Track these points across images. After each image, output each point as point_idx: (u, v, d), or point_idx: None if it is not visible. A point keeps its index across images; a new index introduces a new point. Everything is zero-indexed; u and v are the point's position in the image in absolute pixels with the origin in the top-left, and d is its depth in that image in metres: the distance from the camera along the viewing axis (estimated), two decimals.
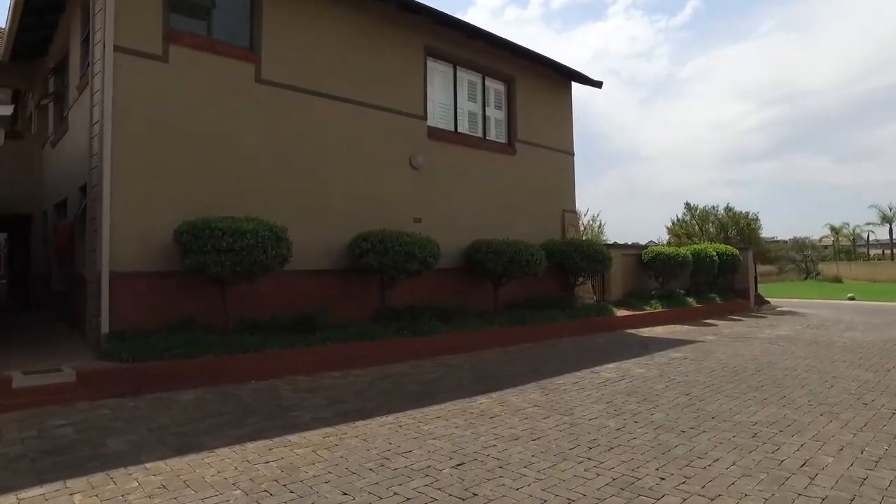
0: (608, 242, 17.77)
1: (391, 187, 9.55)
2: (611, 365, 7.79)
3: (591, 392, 6.18)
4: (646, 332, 11.67)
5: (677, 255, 14.28)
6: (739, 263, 16.82)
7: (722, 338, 10.80)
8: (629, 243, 17.31)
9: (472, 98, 11.30)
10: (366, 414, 5.22)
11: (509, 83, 11.93)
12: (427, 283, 9.67)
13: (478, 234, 10.35)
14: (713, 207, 36.48)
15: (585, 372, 7.26)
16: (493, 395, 6.02)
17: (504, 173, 11.61)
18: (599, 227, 26.71)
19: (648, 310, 13.28)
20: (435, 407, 5.50)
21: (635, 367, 7.68)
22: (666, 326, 12.65)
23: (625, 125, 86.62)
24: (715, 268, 15.61)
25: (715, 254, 15.71)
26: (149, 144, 7.02)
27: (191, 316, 6.89)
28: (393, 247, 7.84)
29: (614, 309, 13.04)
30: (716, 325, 13.01)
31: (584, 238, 13.39)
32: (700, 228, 34.65)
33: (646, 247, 14.86)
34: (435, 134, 10.28)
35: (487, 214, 11.11)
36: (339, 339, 7.44)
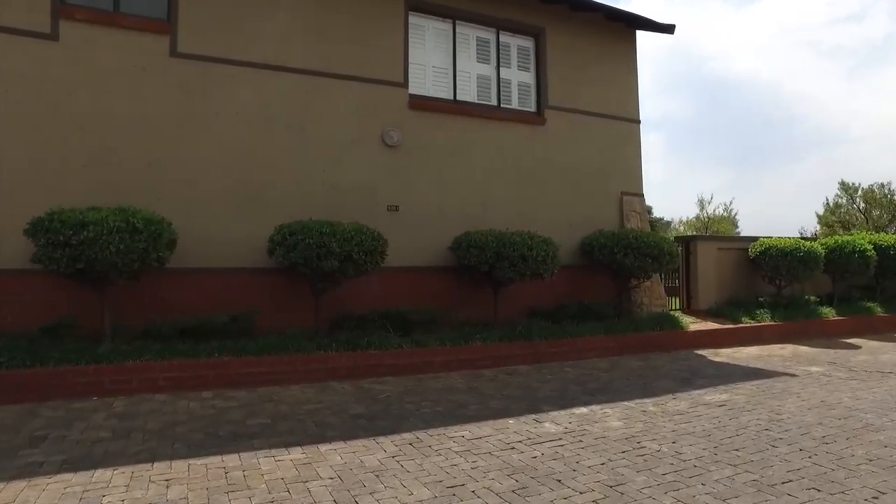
0: (685, 235, 13.86)
1: (357, 170, 8.02)
2: (579, 410, 5.39)
3: (477, 461, 4.05)
4: (727, 353, 8.57)
5: (798, 248, 10.47)
6: None
7: (838, 369, 7.41)
8: (739, 235, 13.46)
9: (483, 59, 9.25)
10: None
11: (537, 37, 9.59)
12: (398, 284, 7.98)
13: (483, 225, 8.33)
14: (883, 186, 27.79)
15: (513, 421, 5.03)
16: (307, 449, 4.19)
17: (528, 148, 9.34)
18: (729, 216, 21.91)
19: (748, 322, 9.89)
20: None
21: (616, 415, 5.20)
22: (768, 346, 9.27)
23: (825, 102, 72.64)
24: (870, 266, 11.27)
25: (871, 247, 11.35)
26: (35, 133, 6.44)
27: (70, 319, 6.16)
28: (304, 240, 6.33)
29: (689, 321, 9.95)
30: (856, 349, 9.24)
31: (648, 230, 10.42)
32: (864, 215, 26.63)
33: (755, 239, 11.19)
34: (420, 103, 8.49)
35: (500, 200, 8.99)
36: (237, 351, 6.18)
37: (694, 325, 9.76)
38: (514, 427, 4.76)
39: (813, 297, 11.26)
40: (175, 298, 6.80)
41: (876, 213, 27.22)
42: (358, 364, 6.50)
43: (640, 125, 10.41)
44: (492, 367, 7.20)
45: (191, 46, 7.16)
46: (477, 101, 9.09)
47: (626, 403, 5.55)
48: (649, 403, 5.56)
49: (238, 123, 7.40)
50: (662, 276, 11.25)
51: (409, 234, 8.21)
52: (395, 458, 4.02)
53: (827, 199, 30.71)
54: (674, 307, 11.13)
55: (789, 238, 10.92)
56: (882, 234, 12.51)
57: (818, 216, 29.20)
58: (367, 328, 7.12)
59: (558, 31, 9.68)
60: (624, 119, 10.25)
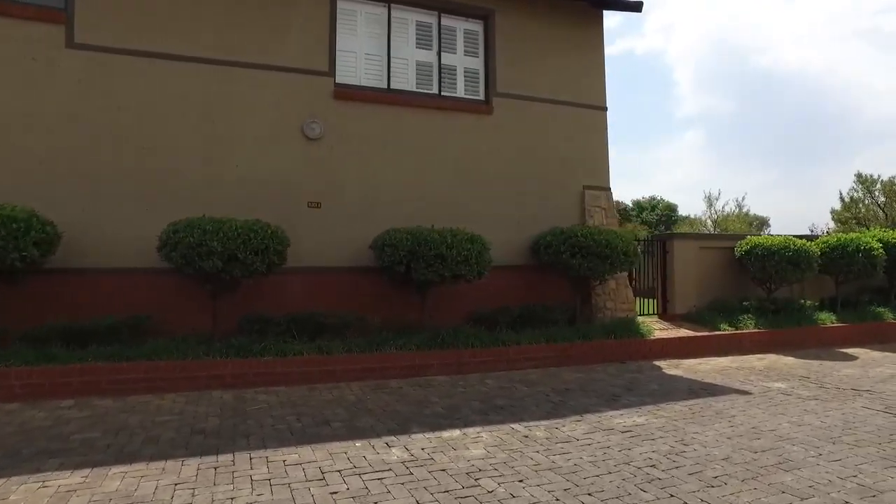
0: (662, 233, 12.64)
1: (275, 165, 7.52)
2: (450, 433, 4.70)
3: (263, 494, 3.44)
4: (689, 365, 7.71)
5: (787, 247, 9.38)
6: None
7: (806, 386, 6.52)
8: (726, 233, 12.35)
9: (423, 45, 8.60)
10: None
11: (486, 19, 8.86)
12: (317, 286, 7.46)
13: (422, 222, 7.70)
14: None
15: (360, 444, 4.38)
16: (94, 472, 3.65)
17: (473, 139, 8.64)
18: (739, 213, 20.34)
19: (727, 330, 8.91)
20: None
21: (488, 440, 4.51)
22: (744, 357, 8.34)
23: (881, 94, 67.97)
24: (877, 267, 10.03)
25: (878, 245, 10.11)
26: None
27: None
28: (185, 238, 5.86)
29: (660, 327, 9.07)
30: (849, 360, 8.24)
31: (616, 226, 9.53)
32: (883, 210, 24.11)
33: (743, 237, 10.09)
34: (347, 93, 7.91)
35: (440, 196, 8.32)
36: (117, 357, 5.77)
37: (662, 332, 8.86)
38: (354, 452, 4.14)
39: (810, 302, 10.10)
40: (67, 300, 6.46)
41: None
42: (245, 372, 5.99)
43: (607, 112, 9.53)
44: (403, 377, 6.57)
45: (89, 37, 6.81)
46: (415, 90, 8.45)
47: (513, 426, 4.84)
48: (542, 427, 4.83)
49: (142, 117, 7.01)
50: (637, 278, 10.34)
51: (332, 232, 7.66)
52: (178, 486, 3.48)
53: (841, 194, 28.39)
54: (648, 311, 10.21)
55: (779, 236, 9.82)
56: (892, 230, 11.16)
57: (832, 212, 26.92)
58: (271, 333, 6.61)
59: (511, 12, 8.93)
60: (588, 106, 9.40)
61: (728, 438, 4.56)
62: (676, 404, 5.63)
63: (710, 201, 28.92)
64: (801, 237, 10.65)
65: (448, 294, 7.93)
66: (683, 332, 8.84)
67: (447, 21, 8.70)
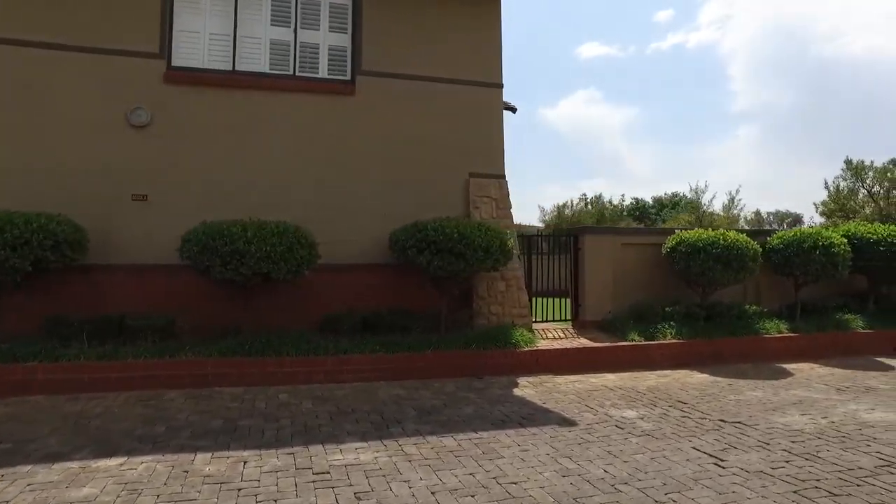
0: (578, 226, 10.91)
1: (96, 155, 6.98)
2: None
3: None
4: (561, 381, 6.68)
5: (716, 242, 7.90)
6: None
7: (663, 417, 5.29)
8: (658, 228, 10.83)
9: (280, 21, 7.82)
10: None
11: None
12: (133, 284, 6.87)
13: (268, 216, 6.89)
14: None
15: None
16: None
17: (333, 123, 7.78)
18: (733, 209, 18.14)
19: (635, 340, 7.61)
20: None
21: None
22: (640, 374, 7.11)
23: None
24: (839, 267, 8.34)
25: (842, 241, 8.42)
26: None
27: None
28: None
29: (551, 336, 7.92)
30: (780, 378, 6.87)
31: (510, 220, 8.37)
32: (873, 198, 20.53)
33: (668, 232, 8.62)
34: (182, 76, 7.27)
35: (291, 187, 7.54)
36: None
37: (556, 342, 7.67)
38: None
39: (755, 308, 8.51)
40: None
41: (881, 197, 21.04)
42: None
43: (502, 89, 8.40)
44: (192, 387, 5.84)
45: None
46: (268, 71, 7.70)
47: (180, 457, 3.99)
48: (227, 459, 3.96)
49: None
50: (537, 278, 9.12)
51: (160, 226, 7.05)
52: None
53: (826, 182, 24.61)
54: (561, 317, 8.97)
55: (711, 230, 8.33)
56: (868, 224, 9.27)
57: (815, 205, 23.67)
58: (74, 336, 6.08)
59: None
60: (477, 84, 8.30)
61: (433, 493, 3.51)
62: (457, 436, 4.59)
63: (696, 194, 26.00)
64: (757, 232, 9.12)
65: (294, 295, 7.16)
66: (577, 343, 7.61)
67: None
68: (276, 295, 7.13)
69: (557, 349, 7.18)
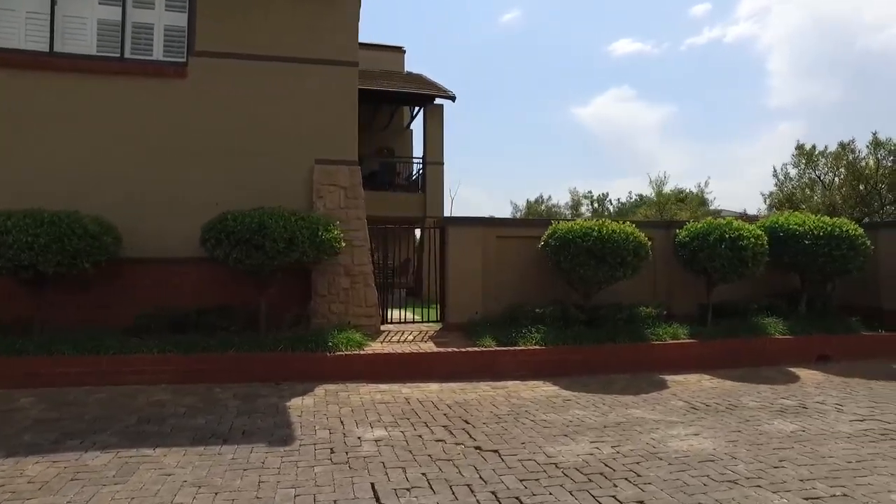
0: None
1: None
2: None
3: None
4: (367, 391, 5.80)
5: (588, 234, 6.80)
6: (863, 254, 7.41)
7: (402, 442, 4.42)
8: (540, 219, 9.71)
9: (110, 0, 7.34)
10: None
11: None
12: None
13: (80, 206, 6.34)
14: (846, 146, 18.64)
15: None
16: None
17: (163, 109, 7.20)
18: (700, 197, 16.31)
19: (489, 346, 6.66)
20: None
21: None
22: (481, 385, 6.09)
23: None
24: (750, 264, 7.05)
25: (758, 234, 7.13)
26: None
27: None
28: None
29: (396, 340, 7.09)
30: (641, 393, 5.85)
31: (360, 211, 7.53)
32: (825, 187, 17.64)
33: (549, 223, 7.51)
34: None
35: (114, 179, 7.00)
36: None
37: (391, 345, 6.78)
38: None
39: (650, 310, 7.30)
40: None
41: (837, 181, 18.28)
42: None
43: (357, 68, 7.60)
44: None
45: None
46: (94, 54, 7.22)
47: None
48: None
49: None
50: (425, 276, 8.19)
51: None
52: None
53: (775, 170, 21.92)
54: (432, 318, 8.06)
55: (586, 221, 7.20)
56: (798, 215, 7.83)
57: (763, 195, 20.98)
58: None
59: None
60: (327, 62, 7.55)
61: None
62: (123, 451, 3.86)
63: (656, 185, 23.68)
64: (668, 223, 7.94)
65: (106, 291, 6.65)
66: (410, 349, 6.64)
67: None
68: (83, 292, 6.60)
69: (379, 354, 6.29)
